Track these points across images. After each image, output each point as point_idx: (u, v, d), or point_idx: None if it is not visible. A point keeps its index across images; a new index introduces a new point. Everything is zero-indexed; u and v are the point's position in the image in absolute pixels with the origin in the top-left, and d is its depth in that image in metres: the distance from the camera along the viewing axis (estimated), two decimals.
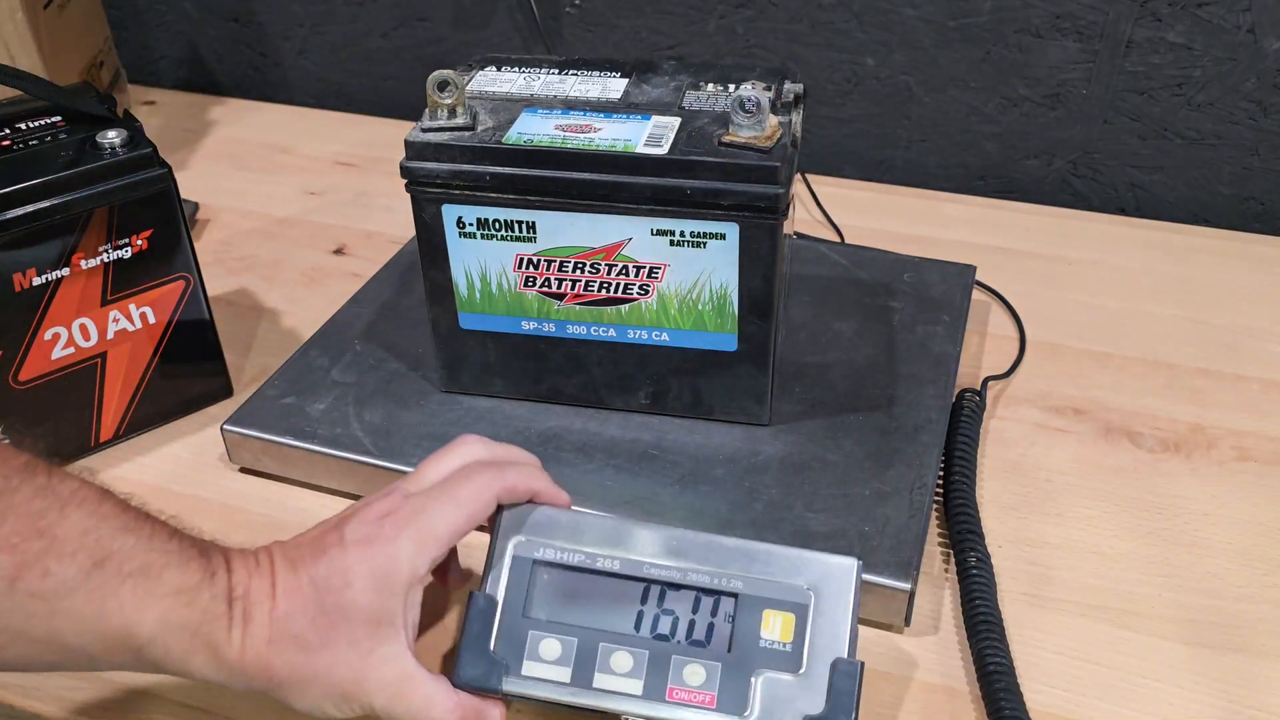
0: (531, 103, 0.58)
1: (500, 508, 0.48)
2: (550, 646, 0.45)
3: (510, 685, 0.45)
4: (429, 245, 0.58)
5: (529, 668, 0.45)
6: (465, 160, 0.55)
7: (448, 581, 0.52)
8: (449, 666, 0.48)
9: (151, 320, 0.62)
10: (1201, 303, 0.75)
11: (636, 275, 0.57)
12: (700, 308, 0.57)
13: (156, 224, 0.60)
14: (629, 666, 0.45)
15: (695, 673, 0.44)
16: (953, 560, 0.55)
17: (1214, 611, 0.53)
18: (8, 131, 0.59)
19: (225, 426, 0.60)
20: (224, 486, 0.61)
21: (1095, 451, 0.62)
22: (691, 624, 0.45)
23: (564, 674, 0.45)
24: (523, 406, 0.61)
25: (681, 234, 0.55)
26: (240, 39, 1.08)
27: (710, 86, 0.59)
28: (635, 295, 0.57)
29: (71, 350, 0.60)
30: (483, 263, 0.58)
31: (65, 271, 0.58)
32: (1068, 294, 0.76)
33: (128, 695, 0.50)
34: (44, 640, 0.39)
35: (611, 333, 0.59)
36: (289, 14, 1.04)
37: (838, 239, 0.82)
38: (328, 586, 0.43)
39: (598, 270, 0.57)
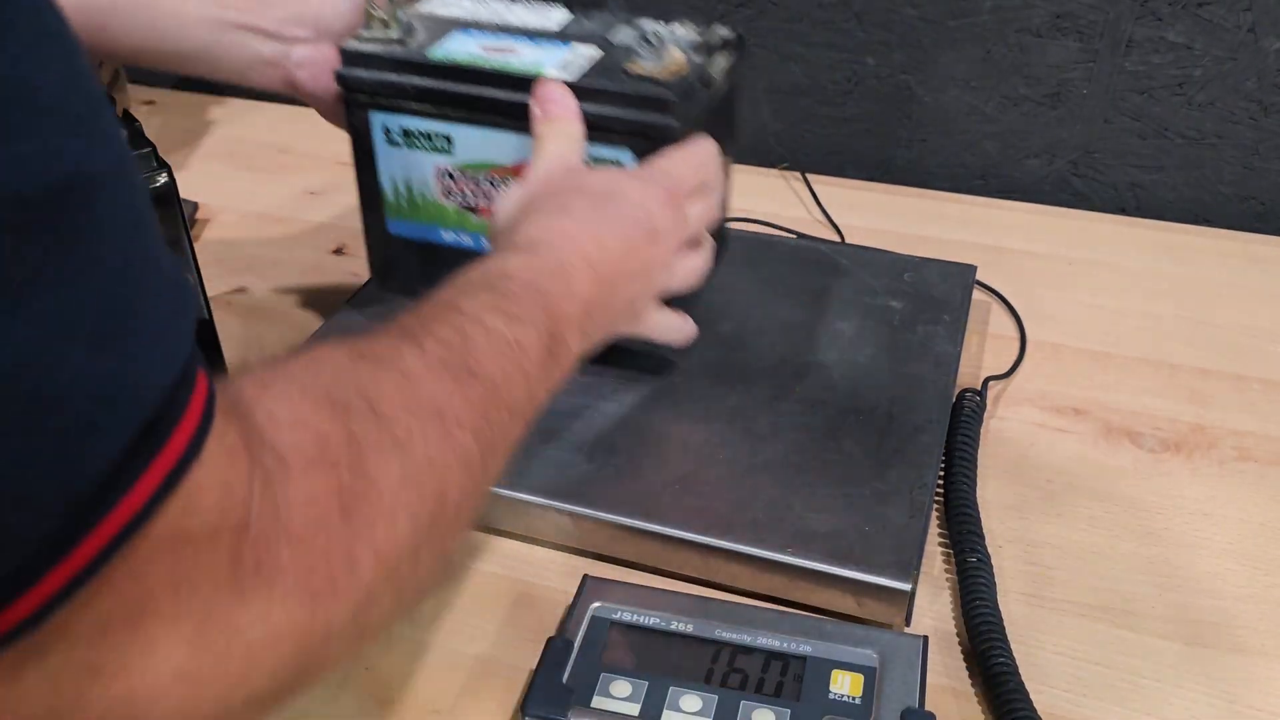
0: (469, 25, 0.61)
1: (585, 576, 0.52)
2: (621, 686, 0.47)
3: (578, 716, 0.45)
4: (360, 151, 0.63)
5: (598, 701, 0.46)
6: (390, 70, 0.59)
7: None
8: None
9: None
10: (1202, 303, 0.75)
11: None
12: None
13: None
14: (698, 708, 0.46)
15: (765, 716, 0.45)
16: (953, 560, 0.55)
17: (1214, 612, 0.53)
18: None
19: None
20: None
21: (1096, 451, 0.62)
22: (761, 680, 0.47)
23: (633, 708, 0.46)
24: None
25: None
26: None
27: (644, 23, 0.60)
28: None
29: None
30: (407, 171, 0.62)
31: None
32: (1068, 294, 0.76)
33: None
34: None
35: None
36: None
37: (838, 239, 0.82)
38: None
39: (510, 187, 0.58)
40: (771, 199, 0.87)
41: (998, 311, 0.74)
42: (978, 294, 0.74)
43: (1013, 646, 0.50)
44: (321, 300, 0.76)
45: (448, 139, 0.59)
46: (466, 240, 0.63)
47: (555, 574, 0.55)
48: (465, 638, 0.52)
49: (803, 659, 0.48)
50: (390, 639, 0.52)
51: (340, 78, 0.59)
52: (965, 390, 0.64)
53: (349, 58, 0.59)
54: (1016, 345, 0.71)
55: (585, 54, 0.58)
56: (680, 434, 0.59)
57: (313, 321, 0.73)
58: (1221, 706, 0.49)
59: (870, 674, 0.47)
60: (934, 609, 0.53)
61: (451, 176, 0.61)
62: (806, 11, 0.88)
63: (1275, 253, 0.80)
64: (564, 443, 0.59)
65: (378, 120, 0.60)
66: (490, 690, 0.50)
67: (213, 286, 0.78)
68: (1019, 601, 0.53)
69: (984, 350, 0.71)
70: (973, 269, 0.73)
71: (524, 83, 0.56)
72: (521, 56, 0.58)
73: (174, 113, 1.06)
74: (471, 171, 0.60)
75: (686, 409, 0.61)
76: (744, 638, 0.49)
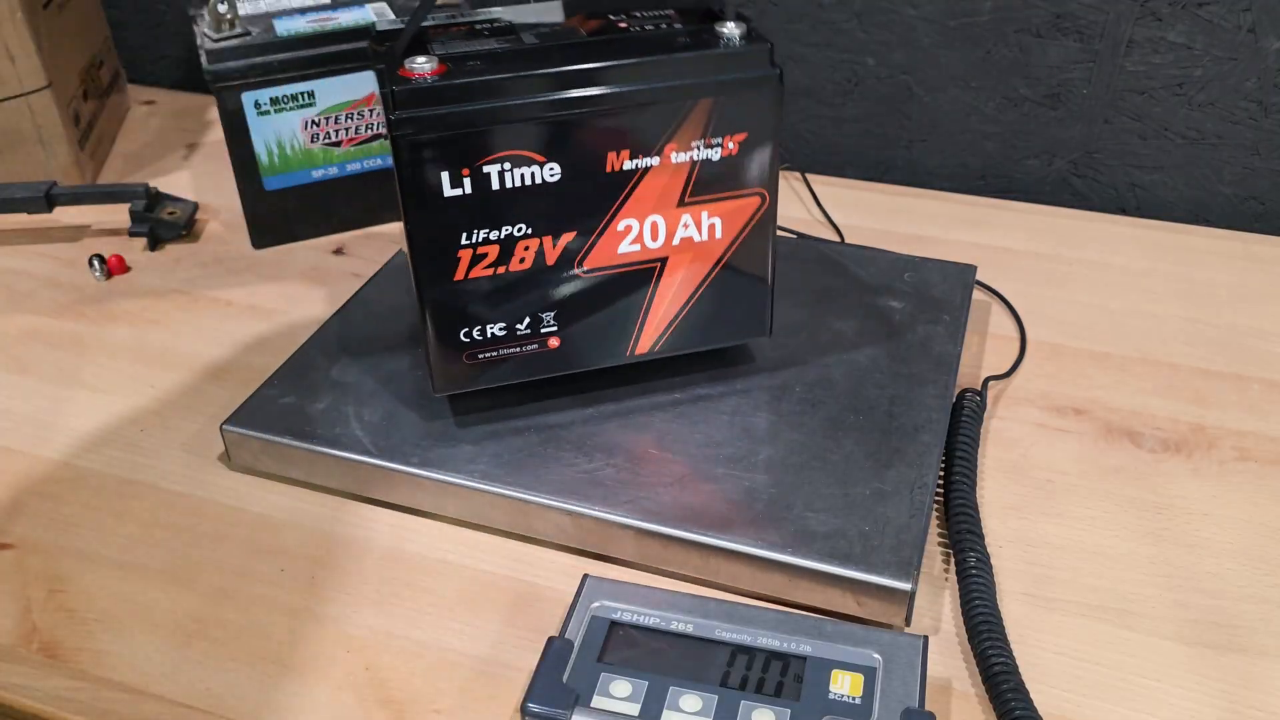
0: (284, 13, 0.79)
1: (585, 576, 0.52)
2: (621, 686, 0.47)
3: (579, 715, 0.46)
4: (233, 129, 0.77)
5: (598, 701, 0.46)
6: (257, 55, 0.75)
7: None
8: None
9: (718, 234, 0.58)
10: (1202, 303, 0.75)
11: None
12: None
13: (752, 128, 0.56)
14: (698, 708, 0.46)
15: (765, 716, 0.45)
16: (953, 560, 0.55)
17: (1215, 611, 0.53)
18: (624, 16, 0.57)
19: (224, 426, 0.60)
20: (224, 486, 0.61)
21: (1096, 451, 0.62)
22: (761, 680, 0.47)
23: (633, 708, 0.46)
24: (525, 406, 0.61)
25: None
26: None
27: None
28: None
29: (637, 248, 0.57)
30: (278, 133, 0.77)
31: (655, 161, 0.55)
32: (1068, 294, 0.76)
33: (128, 695, 0.50)
34: None
35: (379, 161, 0.81)
36: None
37: (838, 239, 0.82)
38: None
39: (364, 116, 0.79)
40: None
41: (998, 311, 0.74)
42: (978, 294, 0.74)
43: (1013, 646, 0.50)
44: (321, 300, 0.76)
45: (310, 94, 0.77)
46: (334, 171, 0.80)
47: (555, 574, 0.56)
48: (465, 638, 0.52)
49: (803, 659, 0.48)
50: (390, 639, 0.52)
51: (212, 73, 0.74)
52: (965, 390, 0.64)
53: (216, 55, 0.74)
54: (1016, 345, 0.71)
55: (381, 8, 0.79)
56: (680, 434, 0.59)
57: (313, 321, 0.73)
58: (1222, 706, 0.49)
59: (870, 674, 0.47)
60: (934, 609, 0.53)
61: (316, 123, 0.78)
62: (806, 11, 0.88)
63: (1275, 253, 0.80)
64: (564, 443, 0.59)
65: (249, 98, 0.76)
66: (490, 690, 0.50)
67: (213, 286, 0.78)
68: (1019, 601, 0.53)
69: (984, 350, 0.71)
70: (973, 269, 0.73)
71: (362, 33, 0.76)
72: (345, 18, 0.77)
73: (174, 113, 1.06)
74: (332, 113, 0.78)
75: (686, 409, 0.61)
76: (744, 638, 0.49)
